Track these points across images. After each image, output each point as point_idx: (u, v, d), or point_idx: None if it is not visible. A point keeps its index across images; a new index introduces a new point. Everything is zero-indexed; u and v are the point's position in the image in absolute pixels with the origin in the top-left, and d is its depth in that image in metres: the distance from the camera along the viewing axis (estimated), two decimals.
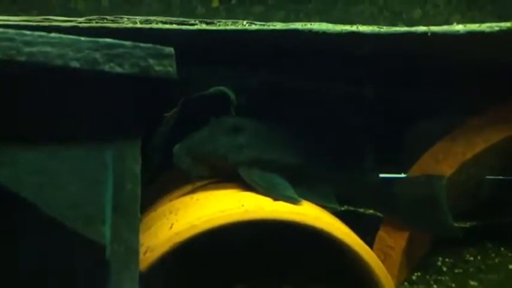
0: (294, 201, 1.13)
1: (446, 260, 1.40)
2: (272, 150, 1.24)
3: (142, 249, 1.01)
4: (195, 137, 1.22)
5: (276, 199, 1.13)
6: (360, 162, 1.30)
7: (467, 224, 1.64)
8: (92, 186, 0.90)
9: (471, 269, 1.35)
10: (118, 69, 0.84)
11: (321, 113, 1.31)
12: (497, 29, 0.99)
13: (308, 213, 1.12)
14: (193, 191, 1.24)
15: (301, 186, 1.19)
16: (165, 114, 1.36)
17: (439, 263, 1.38)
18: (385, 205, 1.28)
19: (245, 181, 1.18)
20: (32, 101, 0.87)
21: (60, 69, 0.81)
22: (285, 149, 1.26)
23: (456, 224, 1.63)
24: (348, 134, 1.31)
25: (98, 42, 0.83)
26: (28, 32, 0.80)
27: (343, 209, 1.60)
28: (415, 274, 1.34)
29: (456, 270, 1.35)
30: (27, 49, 0.79)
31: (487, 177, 1.55)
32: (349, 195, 1.30)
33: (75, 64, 0.81)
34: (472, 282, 1.29)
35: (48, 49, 0.80)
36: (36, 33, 0.80)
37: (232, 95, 1.36)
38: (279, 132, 1.28)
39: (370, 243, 1.23)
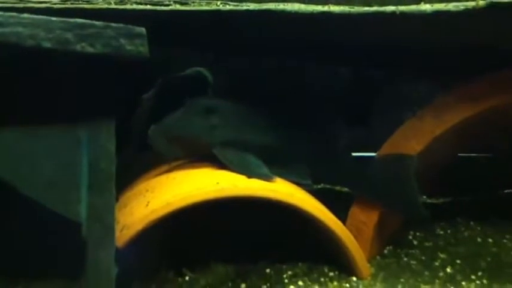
0: (267, 178, 1.15)
1: (417, 234, 1.43)
2: (246, 131, 1.26)
3: (118, 227, 1.03)
4: (169, 119, 1.23)
5: (249, 177, 1.15)
6: (333, 143, 1.33)
7: (439, 200, 1.68)
8: (66, 166, 0.91)
9: (441, 243, 1.38)
10: (90, 49, 0.85)
11: (294, 92, 1.33)
12: (462, 8, 1.01)
13: (281, 190, 1.15)
14: (169, 170, 1.26)
15: (275, 165, 1.22)
16: (143, 95, 1.37)
17: (410, 237, 1.41)
18: (357, 184, 1.30)
19: (220, 161, 1.20)
20: (5, 82, 0.87)
21: (32, 50, 0.82)
22: (259, 130, 1.28)
23: (429, 200, 1.68)
24: (321, 113, 1.34)
25: (69, 22, 0.84)
26: (0, 13, 0.81)
27: (319, 187, 1.63)
28: (387, 248, 1.37)
29: (426, 244, 1.38)
30: None
31: (458, 154, 1.59)
32: (323, 175, 1.32)
33: (47, 44, 0.82)
34: (441, 255, 1.32)
35: (20, 29, 0.81)
36: (8, 13, 0.81)
37: (209, 76, 1.38)
38: (253, 113, 1.30)
39: (344, 220, 1.26)
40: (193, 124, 1.23)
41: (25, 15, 0.82)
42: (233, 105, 1.29)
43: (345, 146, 1.32)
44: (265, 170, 1.18)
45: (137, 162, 1.39)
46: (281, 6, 1.13)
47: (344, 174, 1.32)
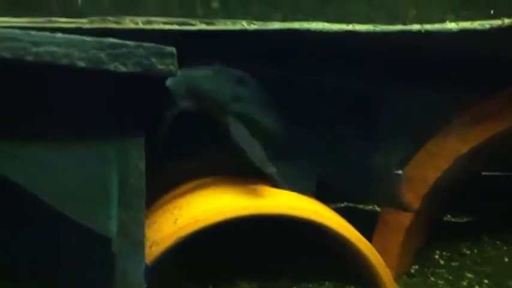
0: (267, 169, 1.16)
1: (444, 253, 1.42)
2: (264, 115, 1.25)
3: (148, 243, 1.04)
4: (197, 72, 1.19)
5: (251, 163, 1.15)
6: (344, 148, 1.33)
7: (465, 219, 1.67)
8: (97, 182, 0.92)
9: (467, 262, 1.38)
10: (122, 68, 0.87)
11: (312, 101, 1.34)
12: (488, 26, 1.02)
13: (308, 207, 1.15)
14: (197, 187, 1.26)
15: (281, 161, 1.22)
16: (167, 112, 1.38)
17: (437, 256, 1.41)
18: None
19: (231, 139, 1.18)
20: (39, 99, 0.89)
21: (66, 68, 0.84)
22: (275, 118, 1.27)
23: (453, 219, 1.67)
24: (334, 121, 1.34)
25: (102, 42, 0.86)
26: (35, 33, 0.83)
27: (342, 205, 1.63)
28: (413, 267, 1.36)
29: (453, 263, 1.38)
30: (34, 49, 0.82)
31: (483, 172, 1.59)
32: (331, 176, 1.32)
33: (81, 63, 0.84)
34: (468, 275, 1.32)
35: (55, 49, 0.83)
36: (44, 34, 0.83)
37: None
38: (272, 103, 1.29)
39: (369, 238, 1.26)
40: (221, 87, 1.20)
41: (60, 34, 0.84)
42: (259, 88, 1.28)
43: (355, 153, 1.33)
44: (267, 163, 1.18)
45: (162, 177, 1.39)
46: (306, 25, 1.14)
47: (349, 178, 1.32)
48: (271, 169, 1.18)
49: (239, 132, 1.18)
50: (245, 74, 1.26)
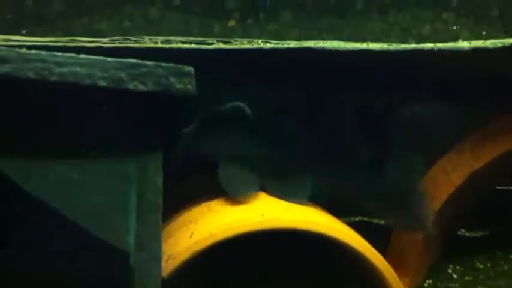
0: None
1: (457, 267, 1.43)
2: (255, 144, 1.27)
3: (164, 257, 1.06)
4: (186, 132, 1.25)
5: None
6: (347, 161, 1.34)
7: (478, 233, 1.67)
8: (116, 197, 0.95)
9: (481, 276, 1.38)
10: (142, 87, 0.90)
11: (326, 118, 1.36)
12: (500, 45, 1.04)
13: (321, 222, 1.17)
14: (213, 201, 1.29)
15: (272, 179, 1.24)
16: (184, 129, 1.41)
17: (450, 271, 1.41)
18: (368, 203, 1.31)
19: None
20: (61, 117, 0.92)
21: (88, 88, 0.87)
22: (267, 141, 1.29)
23: (468, 234, 1.67)
24: (348, 138, 1.36)
25: (123, 62, 0.89)
26: (59, 54, 0.86)
27: (356, 219, 1.64)
28: (427, 281, 1.37)
29: (466, 278, 1.38)
30: (58, 69, 0.85)
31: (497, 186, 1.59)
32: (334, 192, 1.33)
33: (102, 83, 0.87)
34: None
35: (78, 69, 0.86)
36: (67, 54, 0.86)
37: (248, 110, 1.41)
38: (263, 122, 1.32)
39: (382, 252, 1.27)
40: (205, 138, 1.25)
41: (82, 55, 0.87)
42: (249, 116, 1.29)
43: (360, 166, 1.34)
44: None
45: (177, 192, 1.42)
46: (321, 44, 1.17)
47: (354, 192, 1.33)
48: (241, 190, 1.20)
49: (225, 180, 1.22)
50: (241, 102, 1.29)
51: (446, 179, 1.28)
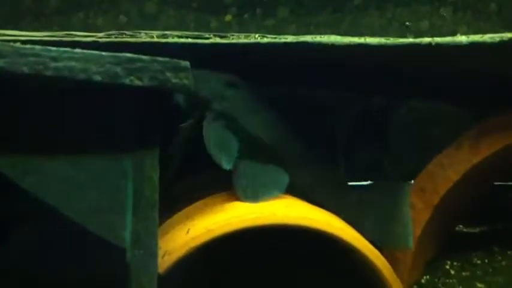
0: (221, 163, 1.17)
1: (454, 263, 1.43)
2: (249, 118, 1.26)
3: (160, 253, 1.06)
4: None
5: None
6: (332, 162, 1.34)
7: (476, 229, 1.67)
8: (112, 194, 0.94)
9: (478, 272, 1.38)
10: (137, 82, 0.89)
11: (322, 114, 1.35)
12: (498, 39, 1.03)
13: (319, 218, 1.16)
14: (209, 198, 1.28)
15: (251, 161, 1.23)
16: (181, 125, 1.41)
17: (447, 267, 1.41)
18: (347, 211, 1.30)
19: None
20: (56, 113, 0.92)
21: (83, 83, 0.86)
22: (263, 125, 1.28)
23: (465, 229, 1.67)
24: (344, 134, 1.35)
25: (118, 56, 0.88)
26: (54, 48, 0.85)
27: None
28: (424, 277, 1.37)
29: (464, 273, 1.38)
30: (53, 64, 0.84)
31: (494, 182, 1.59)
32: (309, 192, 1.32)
33: (97, 78, 0.87)
34: (479, 285, 1.32)
35: (73, 64, 0.85)
36: (62, 49, 0.86)
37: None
38: (266, 111, 1.30)
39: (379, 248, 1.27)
40: (207, 85, 1.22)
41: (77, 50, 0.86)
42: (251, 94, 1.28)
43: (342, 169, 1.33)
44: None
45: (175, 189, 1.41)
46: (318, 38, 1.16)
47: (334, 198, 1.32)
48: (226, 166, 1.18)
49: (211, 129, 1.19)
50: (238, 79, 1.27)
51: (443, 174, 1.28)
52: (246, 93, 1.26)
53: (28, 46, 0.84)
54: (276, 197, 1.20)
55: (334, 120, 1.39)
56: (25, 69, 0.83)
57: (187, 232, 1.11)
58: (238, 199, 1.21)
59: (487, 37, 1.05)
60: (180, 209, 1.29)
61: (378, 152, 1.45)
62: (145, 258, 0.95)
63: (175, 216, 1.24)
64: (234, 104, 1.24)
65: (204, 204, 1.24)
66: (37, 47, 0.85)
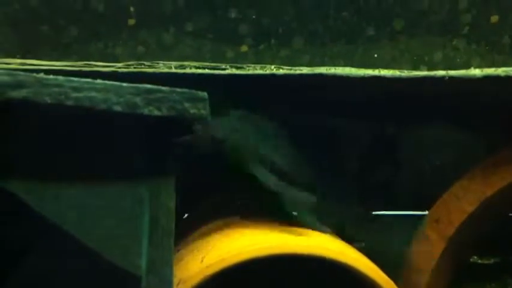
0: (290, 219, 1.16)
1: None
2: (280, 156, 1.27)
3: (175, 281, 1.06)
4: (224, 123, 1.23)
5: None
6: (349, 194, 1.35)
7: (491, 260, 1.66)
8: (128, 221, 0.95)
9: None
10: (156, 113, 0.91)
11: (338, 144, 1.36)
12: None
13: (333, 248, 1.16)
14: (224, 226, 1.29)
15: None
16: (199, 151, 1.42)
17: None
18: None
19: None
20: (75, 141, 0.93)
21: (103, 113, 0.88)
22: (291, 159, 1.29)
23: (480, 261, 1.66)
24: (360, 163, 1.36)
25: (138, 87, 0.90)
26: (75, 79, 0.87)
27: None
28: None
29: None
30: (74, 94, 0.86)
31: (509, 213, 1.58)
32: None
33: (117, 108, 0.88)
34: None
35: (94, 94, 0.87)
36: (83, 79, 0.88)
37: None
38: (291, 145, 1.32)
39: (394, 279, 1.26)
40: (246, 137, 1.24)
41: (98, 81, 0.88)
42: (277, 131, 1.30)
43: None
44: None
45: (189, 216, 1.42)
46: (332, 70, 1.18)
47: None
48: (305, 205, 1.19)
49: (267, 177, 1.20)
50: (263, 118, 1.29)
51: (458, 205, 1.28)
52: (274, 133, 1.28)
53: (51, 77, 0.86)
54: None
55: (347, 148, 1.41)
56: (47, 99, 0.85)
57: (202, 260, 1.11)
58: (254, 226, 1.21)
59: (501, 71, 1.07)
60: (194, 235, 1.30)
61: (389, 179, 1.45)
62: (161, 286, 0.96)
63: (190, 244, 1.25)
64: (267, 146, 1.26)
65: (219, 231, 1.25)
66: (60, 77, 0.86)
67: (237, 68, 1.21)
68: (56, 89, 0.85)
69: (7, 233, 1.15)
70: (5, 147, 0.88)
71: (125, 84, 0.90)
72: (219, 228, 1.29)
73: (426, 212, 1.34)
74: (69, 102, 0.85)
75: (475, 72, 1.08)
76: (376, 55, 1.90)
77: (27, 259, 1.19)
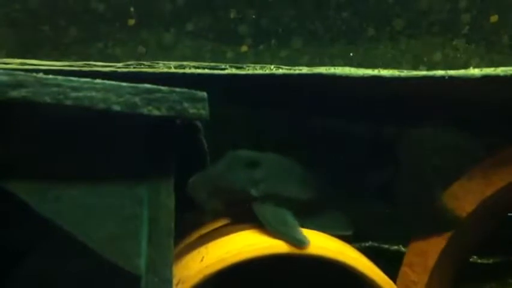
0: (300, 244, 1.13)
1: None
2: (286, 185, 1.26)
3: (174, 281, 1.06)
4: (211, 170, 1.22)
5: (282, 239, 1.14)
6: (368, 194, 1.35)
7: (490, 260, 1.66)
8: (128, 221, 0.95)
9: None
10: (155, 112, 0.91)
11: (336, 149, 1.36)
12: (511, 72, 1.04)
13: (331, 247, 1.17)
14: (224, 226, 1.29)
15: (312, 217, 1.24)
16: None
17: None
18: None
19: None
20: (74, 141, 0.94)
21: (103, 113, 0.88)
22: (298, 183, 1.28)
23: (479, 261, 1.66)
24: (360, 169, 1.36)
25: (137, 87, 0.90)
26: (75, 78, 0.87)
27: (367, 244, 1.64)
28: None
29: None
30: (74, 94, 0.86)
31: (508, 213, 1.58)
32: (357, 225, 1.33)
33: (116, 108, 0.88)
34: None
35: (93, 94, 0.87)
36: (83, 79, 0.88)
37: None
38: (293, 165, 1.31)
39: (393, 278, 1.26)
40: (237, 177, 1.22)
41: (98, 80, 0.88)
42: (275, 158, 1.29)
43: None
44: (300, 233, 1.16)
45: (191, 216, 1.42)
46: (332, 70, 1.18)
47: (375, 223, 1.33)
48: (304, 244, 1.16)
49: (266, 216, 1.20)
50: (257, 153, 1.28)
51: (457, 205, 1.28)
52: (272, 164, 1.27)
53: (50, 77, 0.86)
54: None
55: (348, 149, 1.41)
56: (47, 99, 0.85)
57: (202, 260, 1.11)
58: (254, 226, 1.22)
59: (500, 70, 1.06)
60: (194, 235, 1.30)
61: (387, 180, 1.45)
62: (160, 286, 0.96)
63: (190, 244, 1.25)
64: (267, 181, 1.24)
65: (219, 231, 1.25)
66: (59, 77, 0.87)
67: (237, 68, 1.21)
68: (56, 89, 0.85)
69: (7, 233, 1.16)
70: (5, 147, 0.88)
71: (124, 84, 0.90)
72: (219, 227, 1.29)
73: None
74: (69, 102, 0.86)
75: (474, 72, 1.08)
76: (376, 55, 1.90)
77: (27, 259, 1.20)
